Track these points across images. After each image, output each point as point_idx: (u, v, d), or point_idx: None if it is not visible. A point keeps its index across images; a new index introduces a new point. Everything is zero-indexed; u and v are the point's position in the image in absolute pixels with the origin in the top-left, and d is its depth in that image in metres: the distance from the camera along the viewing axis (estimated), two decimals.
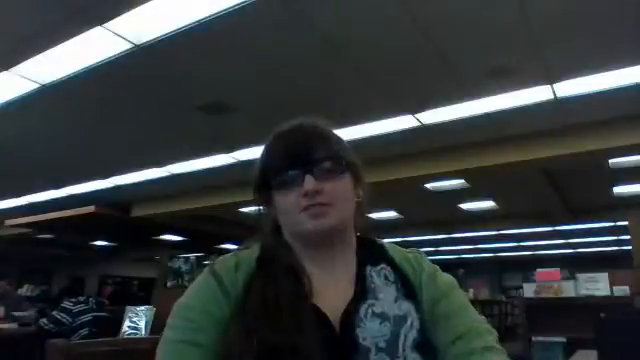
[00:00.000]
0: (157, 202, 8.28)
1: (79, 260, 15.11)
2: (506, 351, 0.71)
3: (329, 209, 0.73)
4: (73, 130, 5.17)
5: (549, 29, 3.19)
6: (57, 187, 7.63)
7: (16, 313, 5.92)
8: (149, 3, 2.90)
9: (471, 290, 10.40)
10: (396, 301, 0.73)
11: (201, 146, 5.59)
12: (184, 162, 6.16)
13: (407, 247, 0.84)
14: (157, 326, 3.14)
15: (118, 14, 3.01)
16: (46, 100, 4.21)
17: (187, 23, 3.08)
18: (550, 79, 3.86)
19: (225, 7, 2.92)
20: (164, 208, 8.30)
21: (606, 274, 3.95)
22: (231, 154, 5.77)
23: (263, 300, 0.68)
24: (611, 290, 3.89)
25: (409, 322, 0.71)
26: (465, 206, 8.64)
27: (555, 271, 4.17)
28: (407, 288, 0.76)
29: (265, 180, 0.77)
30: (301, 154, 0.74)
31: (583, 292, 3.92)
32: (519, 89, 4.03)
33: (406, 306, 0.73)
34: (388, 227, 9.91)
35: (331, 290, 0.74)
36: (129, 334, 3.13)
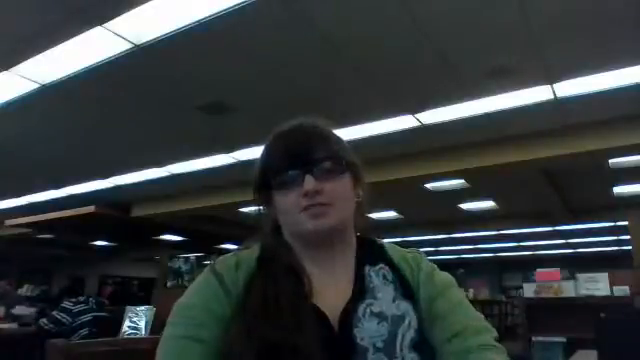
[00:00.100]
0: (157, 202, 8.28)
1: (79, 260, 15.11)
2: (505, 350, 0.71)
3: (329, 209, 0.73)
4: (73, 130, 5.17)
5: (549, 29, 3.19)
6: (57, 187, 7.63)
7: (17, 308, 5.93)
8: (149, 3, 2.90)
9: (471, 290, 10.40)
10: (394, 301, 0.73)
11: (201, 146, 5.59)
12: (184, 162, 6.16)
13: (407, 247, 0.84)
14: (157, 326, 3.14)
15: (118, 14, 3.01)
16: (46, 100, 4.21)
17: (187, 23, 3.08)
18: (550, 79, 3.86)
19: (225, 7, 2.92)
20: (164, 208, 8.29)
21: (606, 274, 3.95)
22: (231, 154, 5.77)
23: (263, 299, 0.68)
24: (611, 290, 3.89)
25: (407, 322, 0.71)
26: (465, 206, 8.64)
27: (555, 271, 4.18)
28: (405, 288, 0.76)
29: (265, 180, 0.77)
30: (301, 154, 0.74)
31: (583, 292, 3.93)
32: (519, 89, 4.03)
33: (404, 306, 0.73)
34: (388, 227, 9.91)
35: (331, 290, 0.74)
36: (129, 334, 3.13)
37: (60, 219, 9.17)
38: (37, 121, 4.84)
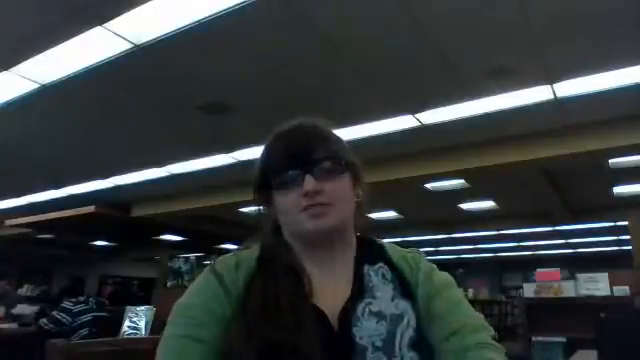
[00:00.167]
0: (157, 202, 8.28)
1: (79, 260, 15.11)
2: (504, 348, 0.70)
3: (329, 209, 0.73)
4: (73, 130, 5.17)
5: (549, 29, 3.19)
6: (57, 187, 7.63)
7: (18, 307, 5.92)
8: (149, 3, 2.90)
9: (471, 290, 10.41)
10: (393, 300, 0.74)
11: (201, 146, 5.59)
12: (184, 162, 6.16)
13: (407, 247, 0.84)
14: (157, 326, 3.14)
15: (118, 14, 3.01)
16: (46, 100, 4.21)
17: (187, 23, 3.08)
18: (550, 79, 3.86)
19: (225, 7, 2.92)
20: (164, 208, 8.30)
21: (606, 274, 3.95)
22: (231, 154, 5.77)
23: (263, 299, 0.68)
24: (611, 290, 3.89)
25: (406, 320, 0.71)
26: (465, 206, 8.64)
27: (555, 271, 4.17)
28: (404, 287, 0.76)
29: (265, 180, 0.77)
30: (301, 154, 0.74)
31: (583, 292, 3.93)
32: (519, 89, 4.03)
33: (403, 305, 0.73)
34: (388, 227, 9.91)
35: (330, 290, 0.74)
36: (129, 334, 3.13)
37: (60, 219, 9.17)
38: (37, 121, 4.85)
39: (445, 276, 0.79)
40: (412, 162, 5.77)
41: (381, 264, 0.78)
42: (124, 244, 13.41)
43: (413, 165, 5.79)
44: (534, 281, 4.19)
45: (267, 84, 4.01)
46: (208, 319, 0.68)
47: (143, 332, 3.14)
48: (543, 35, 3.24)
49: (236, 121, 4.75)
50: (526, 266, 9.95)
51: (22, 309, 6.13)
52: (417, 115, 4.59)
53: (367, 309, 0.72)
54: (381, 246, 0.83)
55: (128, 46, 3.34)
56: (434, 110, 4.48)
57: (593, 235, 11.25)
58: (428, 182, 6.72)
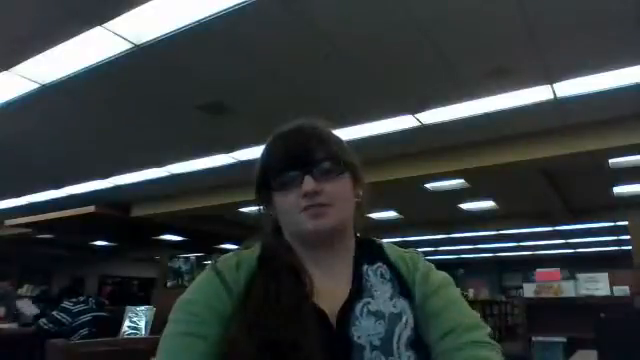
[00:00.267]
0: (157, 202, 8.28)
1: (79, 260, 15.11)
2: (500, 346, 0.70)
3: (329, 209, 0.73)
4: (73, 130, 5.17)
5: (549, 29, 3.19)
6: (57, 187, 7.63)
7: (20, 303, 5.91)
8: (149, 3, 2.90)
9: (471, 290, 10.40)
10: (391, 299, 0.74)
11: (201, 146, 5.59)
12: (184, 162, 6.17)
13: (407, 247, 0.84)
14: (157, 326, 3.14)
15: (118, 14, 3.01)
16: (46, 100, 4.21)
17: (187, 23, 3.08)
18: (550, 79, 3.86)
19: (225, 7, 2.92)
20: (164, 208, 8.30)
21: (606, 274, 3.95)
22: (231, 154, 5.77)
23: (265, 298, 0.69)
24: (611, 290, 3.89)
25: (404, 320, 0.71)
26: (465, 206, 8.64)
27: (555, 271, 4.17)
28: (402, 286, 0.76)
29: (265, 180, 0.77)
30: (301, 155, 0.75)
31: (583, 292, 3.92)
32: (519, 89, 4.04)
33: (401, 304, 0.73)
34: (388, 227, 9.91)
35: (330, 290, 0.74)
36: (129, 334, 3.13)
37: (60, 219, 9.17)
38: (37, 121, 4.85)
39: (442, 275, 0.79)
40: (412, 162, 5.77)
41: (380, 264, 0.79)
42: (124, 244, 13.41)
43: (413, 165, 5.80)
44: (534, 281, 4.19)
45: (267, 84, 4.01)
46: (210, 316, 0.68)
47: (143, 332, 3.15)
48: (543, 35, 3.24)
49: (236, 121, 4.75)
50: (526, 266, 9.95)
51: (25, 305, 6.12)
52: (417, 115, 4.59)
53: (365, 308, 0.72)
54: (380, 246, 0.83)
55: (128, 46, 3.34)
56: (434, 110, 4.48)
57: (593, 235, 11.25)
58: (428, 182, 6.72)
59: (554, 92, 4.04)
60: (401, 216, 9.53)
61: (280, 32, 3.25)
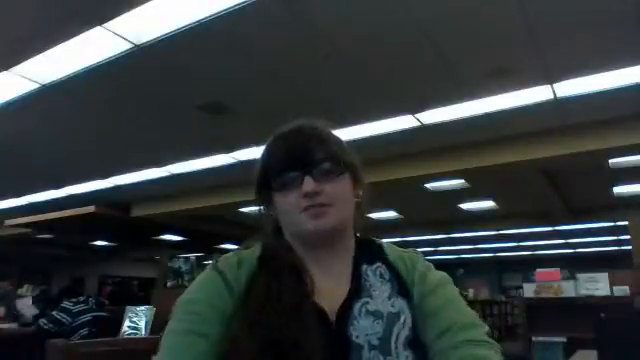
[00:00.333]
0: (157, 202, 8.28)
1: (79, 260, 15.11)
2: (498, 345, 0.70)
3: (329, 209, 0.73)
4: (73, 130, 5.17)
5: (549, 29, 3.19)
6: (57, 187, 7.63)
7: (19, 303, 5.90)
8: (149, 3, 2.90)
9: (471, 290, 10.40)
10: (390, 298, 0.74)
11: (201, 146, 5.59)
12: (184, 162, 6.17)
13: (406, 247, 0.84)
14: (157, 326, 3.14)
15: (118, 14, 3.01)
16: (46, 100, 4.21)
17: (187, 23, 3.08)
18: (550, 79, 3.86)
19: (225, 7, 2.92)
20: (164, 208, 8.30)
21: (606, 274, 3.94)
22: (231, 154, 5.77)
23: (266, 296, 0.69)
24: (611, 290, 3.89)
25: (402, 319, 0.72)
26: (465, 206, 8.64)
27: (555, 271, 4.17)
28: (401, 286, 0.76)
29: (266, 181, 0.78)
30: (301, 156, 0.75)
31: (583, 292, 3.92)
32: (519, 89, 4.04)
33: (400, 303, 0.74)
34: (388, 227, 9.91)
35: (330, 289, 0.74)
36: (129, 334, 3.13)
37: (60, 219, 9.17)
38: (37, 121, 4.85)
39: (441, 275, 0.79)
40: (412, 162, 5.77)
41: (379, 264, 0.79)
42: (124, 244, 13.41)
43: (413, 165, 5.80)
44: (534, 281, 4.18)
45: (267, 84, 4.01)
46: (212, 315, 0.69)
47: (143, 332, 3.15)
48: (543, 35, 3.24)
49: (236, 121, 4.75)
50: (526, 266, 9.95)
51: (23, 306, 6.11)
52: (417, 115, 4.59)
53: (364, 308, 0.72)
54: (379, 246, 0.83)
55: (128, 46, 3.34)
56: (434, 110, 4.48)
57: (593, 235, 11.26)
58: (428, 182, 6.72)
59: (554, 92, 4.04)
60: (401, 216, 9.54)
61: (280, 32, 3.25)
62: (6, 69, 3.68)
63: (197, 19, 3.04)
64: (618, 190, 7.18)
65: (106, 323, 3.74)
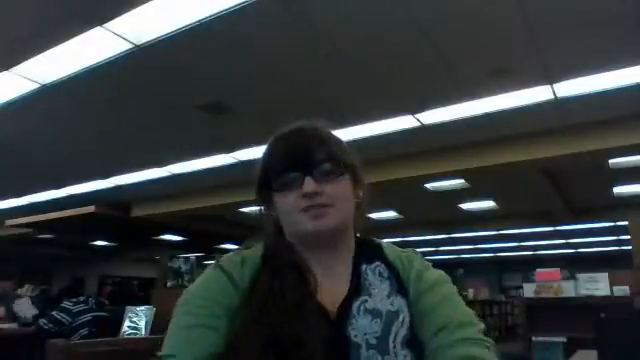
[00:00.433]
0: (157, 202, 8.28)
1: (79, 260, 15.11)
2: (494, 343, 0.70)
3: (329, 210, 0.74)
4: (73, 130, 5.17)
5: (549, 29, 3.19)
6: (57, 187, 7.63)
7: (17, 304, 5.90)
8: (149, 3, 2.90)
9: (471, 290, 10.40)
10: (389, 297, 0.74)
11: (201, 146, 5.59)
12: (184, 162, 6.17)
13: (407, 247, 0.85)
14: (157, 326, 3.15)
15: (118, 14, 3.02)
16: (46, 100, 4.21)
17: (187, 23, 3.08)
18: (550, 79, 3.86)
19: (225, 7, 2.92)
20: (164, 208, 8.30)
21: (606, 274, 3.94)
22: (231, 154, 5.77)
23: (269, 294, 0.69)
24: (611, 290, 3.88)
25: (401, 318, 0.72)
26: (465, 206, 8.64)
27: (555, 271, 4.17)
28: (399, 285, 0.77)
29: (266, 181, 0.78)
30: (301, 156, 0.75)
31: (583, 292, 3.92)
32: (519, 89, 4.04)
33: (398, 302, 0.74)
34: (388, 227, 9.91)
35: (330, 288, 0.74)
36: (129, 334, 3.13)
37: (60, 219, 9.17)
38: (37, 121, 4.85)
39: (438, 273, 0.80)
40: (412, 162, 5.77)
41: (378, 263, 0.79)
42: (124, 244, 13.41)
43: (413, 165, 5.80)
44: (534, 281, 4.18)
45: (267, 84, 4.01)
46: (219, 310, 0.69)
47: (143, 332, 3.15)
48: (543, 35, 3.24)
49: (236, 121, 4.75)
50: (526, 266, 9.95)
51: (22, 307, 6.11)
52: (417, 115, 4.59)
53: (362, 306, 0.72)
54: (379, 245, 0.84)
55: (128, 46, 3.34)
56: (434, 110, 4.48)
57: (593, 235, 11.26)
58: (428, 182, 6.72)
59: (554, 92, 4.04)
60: (401, 216, 9.53)
61: (280, 32, 3.25)
62: (6, 69, 3.68)
63: (197, 19, 3.04)
64: (618, 190, 7.18)
65: (106, 323, 3.74)
